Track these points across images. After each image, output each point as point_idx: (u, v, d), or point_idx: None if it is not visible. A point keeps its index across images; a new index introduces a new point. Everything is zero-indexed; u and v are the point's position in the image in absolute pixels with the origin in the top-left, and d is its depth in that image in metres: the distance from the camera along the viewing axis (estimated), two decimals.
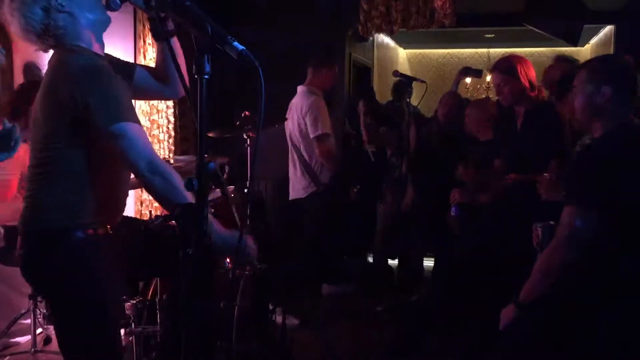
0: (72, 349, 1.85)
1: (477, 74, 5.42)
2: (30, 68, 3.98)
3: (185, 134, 6.16)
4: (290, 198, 4.57)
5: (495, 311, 3.56)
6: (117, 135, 1.64)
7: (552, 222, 2.30)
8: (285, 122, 4.53)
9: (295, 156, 4.51)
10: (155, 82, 2.10)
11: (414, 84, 4.71)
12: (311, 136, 4.35)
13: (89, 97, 1.65)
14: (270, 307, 3.68)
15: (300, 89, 4.53)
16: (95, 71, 1.70)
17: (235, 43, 1.19)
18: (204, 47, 1.19)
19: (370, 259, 5.83)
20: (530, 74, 3.42)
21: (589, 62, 2.40)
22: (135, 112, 1.83)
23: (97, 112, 1.64)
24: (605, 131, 2.18)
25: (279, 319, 3.63)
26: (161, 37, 1.83)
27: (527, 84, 3.38)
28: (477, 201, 3.93)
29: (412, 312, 4.44)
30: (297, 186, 4.51)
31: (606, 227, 2.08)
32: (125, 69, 1.99)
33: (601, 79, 2.19)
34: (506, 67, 3.41)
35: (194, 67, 1.20)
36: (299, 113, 4.42)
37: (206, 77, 1.19)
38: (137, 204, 5.32)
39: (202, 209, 1.22)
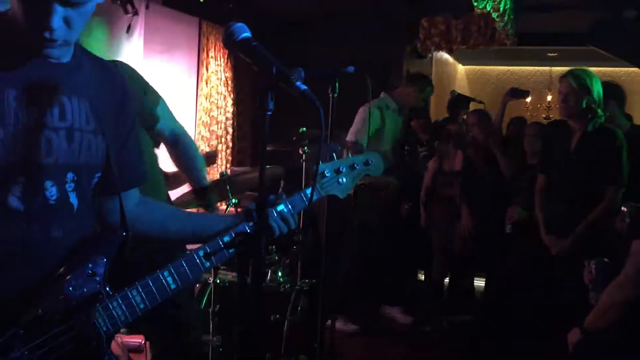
0: None
1: (523, 94, 5.32)
2: None
3: (242, 146, 6.30)
4: None
5: (546, 333, 3.51)
6: None
7: (606, 260, 2.25)
8: None
9: None
10: None
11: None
12: None
13: None
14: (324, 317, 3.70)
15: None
16: None
17: (298, 83, 1.25)
18: (268, 85, 1.25)
19: (422, 277, 5.80)
20: (599, 92, 3.36)
21: None
22: None
23: None
24: None
25: (332, 329, 3.66)
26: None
27: (596, 100, 3.32)
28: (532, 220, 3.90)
29: (462, 332, 4.41)
30: None
31: None
32: None
33: None
34: (579, 78, 3.35)
35: (257, 103, 1.26)
36: None
37: (269, 113, 1.25)
38: None
39: (260, 239, 1.28)
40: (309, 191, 1.61)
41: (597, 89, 3.34)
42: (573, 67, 3.54)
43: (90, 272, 1.29)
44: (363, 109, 4.48)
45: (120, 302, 1.32)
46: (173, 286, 1.40)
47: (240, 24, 1.33)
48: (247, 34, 1.32)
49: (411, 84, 4.62)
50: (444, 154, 4.87)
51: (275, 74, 1.24)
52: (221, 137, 5.89)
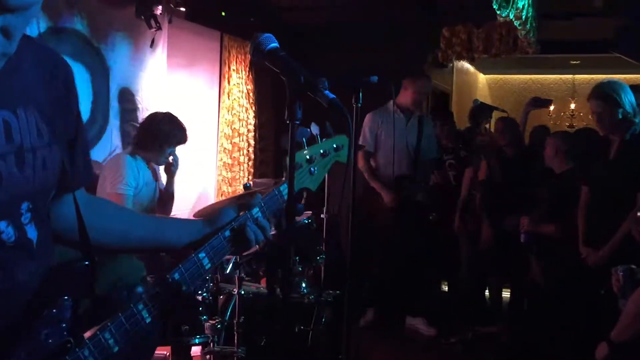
0: None
1: (545, 103, 5.28)
2: None
3: (264, 157, 6.33)
4: None
5: (575, 347, 3.45)
6: None
7: (633, 266, 2.21)
8: None
9: None
10: None
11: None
12: None
13: None
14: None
15: None
16: None
17: (327, 92, 1.25)
18: (297, 94, 1.26)
19: (445, 288, 5.74)
20: (631, 99, 3.29)
21: None
22: None
23: None
24: None
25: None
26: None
27: (630, 110, 3.26)
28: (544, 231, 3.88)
29: (488, 343, 4.36)
30: None
31: None
32: None
33: None
34: (605, 94, 3.29)
35: (286, 112, 1.26)
36: None
37: (297, 122, 1.26)
38: None
39: (288, 248, 1.27)
40: (283, 188, 1.43)
41: (628, 98, 3.28)
42: (597, 81, 3.48)
43: (56, 317, 1.11)
44: (367, 116, 4.52)
45: (92, 348, 1.15)
46: (148, 320, 1.23)
47: (267, 35, 1.34)
48: (274, 44, 1.33)
49: (406, 84, 4.59)
50: (475, 164, 4.84)
51: (303, 83, 1.25)
52: (243, 149, 5.92)
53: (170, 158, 3.52)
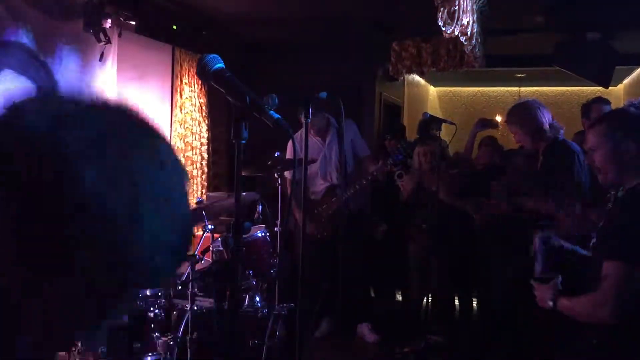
0: None
1: (492, 125, 5.41)
2: None
3: (217, 170, 6.30)
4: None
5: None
6: None
7: (552, 235, 2.30)
8: None
9: None
10: None
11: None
12: None
13: None
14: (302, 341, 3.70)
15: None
16: None
17: (272, 112, 1.28)
18: (242, 114, 1.28)
19: (399, 298, 5.81)
20: (539, 115, 3.52)
21: (605, 118, 2.38)
22: None
23: None
24: (637, 183, 2.16)
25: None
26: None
27: (541, 122, 3.49)
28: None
29: (438, 353, 4.43)
30: None
31: None
32: None
33: (623, 134, 2.18)
34: (514, 118, 3.58)
35: (231, 132, 1.28)
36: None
37: (243, 142, 1.28)
38: None
39: (236, 265, 1.29)
40: None
41: (542, 115, 3.53)
42: (542, 93, 3.69)
43: None
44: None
45: None
46: None
47: (213, 55, 1.35)
48: (220, 64, 1.35)
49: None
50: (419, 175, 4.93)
51: (249, 104, 1.27)
52: (196, 162, 5.89)
53: None
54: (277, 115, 1.28)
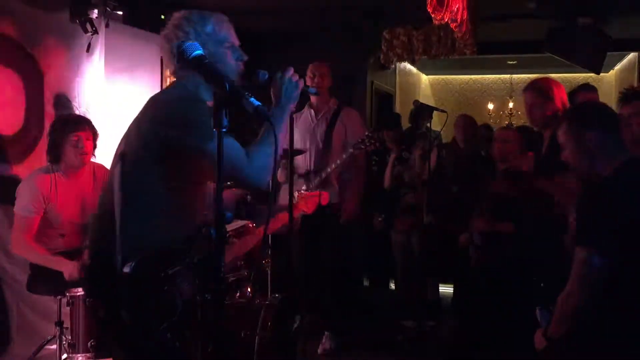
0: None
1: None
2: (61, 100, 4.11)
3: None
4: None
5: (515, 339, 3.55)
6: None
7: (552, 308, 2.30)
8: None
9: None
10: None
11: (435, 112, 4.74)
12: None
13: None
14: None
15: None
16: None
17: (252, 99, 1.25)
18: (223, 102, 1.25)
19: (393, 286, 5.82)
20: (564, 98, 3.39)
21: (565, 116, 2.46)
22: None
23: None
24: (612, 169, 2.18)
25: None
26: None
27: (560, 107, 3.34)
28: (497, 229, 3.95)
29: (432, 341, 4.44)
30: None
31: (626, 264, 2.06)
32: None
33: (582, 127, 2.22)
34: (541, 88, 3.37)
35: (212, 120, 1.25)
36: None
37: (224, 130, 1.25)
38: None
39: (219, 256, 1.27)
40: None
41: (561, 96, 3.40)
42: (534, 77, 3.60)
43: None
44: None
45: None
46: None
47: (192, 43, 1.32)
48: (199, 51, 1.32)
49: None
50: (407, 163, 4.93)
51: (228, 91, 1.24)
52: None
53: None
54: (257, 103, 1.25)
